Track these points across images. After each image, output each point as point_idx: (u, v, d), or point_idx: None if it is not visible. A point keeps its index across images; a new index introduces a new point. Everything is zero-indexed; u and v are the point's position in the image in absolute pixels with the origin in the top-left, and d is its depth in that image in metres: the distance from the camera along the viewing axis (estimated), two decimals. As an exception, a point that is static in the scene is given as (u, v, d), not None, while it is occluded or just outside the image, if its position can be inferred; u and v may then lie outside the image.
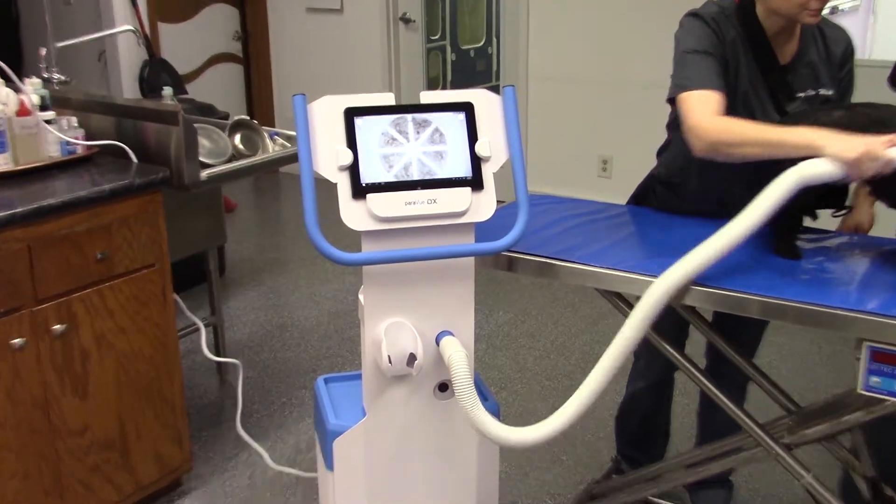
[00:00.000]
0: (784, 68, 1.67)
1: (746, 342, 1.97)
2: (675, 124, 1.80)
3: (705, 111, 1.52)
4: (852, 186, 1.68)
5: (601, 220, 1.80)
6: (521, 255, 1.57)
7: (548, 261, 1.55)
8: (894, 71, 1.72)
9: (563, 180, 4.56)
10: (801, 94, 1.67)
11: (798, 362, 3.00)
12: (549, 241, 1.64)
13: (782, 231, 1.57)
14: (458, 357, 1.41)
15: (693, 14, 1.66)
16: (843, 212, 1.73)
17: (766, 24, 1.64)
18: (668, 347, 1.63)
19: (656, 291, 1.40)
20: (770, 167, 1.51)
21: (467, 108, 1.44)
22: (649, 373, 2.09)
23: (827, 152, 1.36)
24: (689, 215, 1.79)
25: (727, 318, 1.55)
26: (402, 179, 1.39)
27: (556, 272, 1.55)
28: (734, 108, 1.61)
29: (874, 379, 1.30)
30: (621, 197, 2.00)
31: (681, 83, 1.59)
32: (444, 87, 5.06)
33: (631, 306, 1.63)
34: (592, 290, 1.60)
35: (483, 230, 1.49)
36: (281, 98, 5.52)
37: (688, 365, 1.62)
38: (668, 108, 1.86)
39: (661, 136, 1.91)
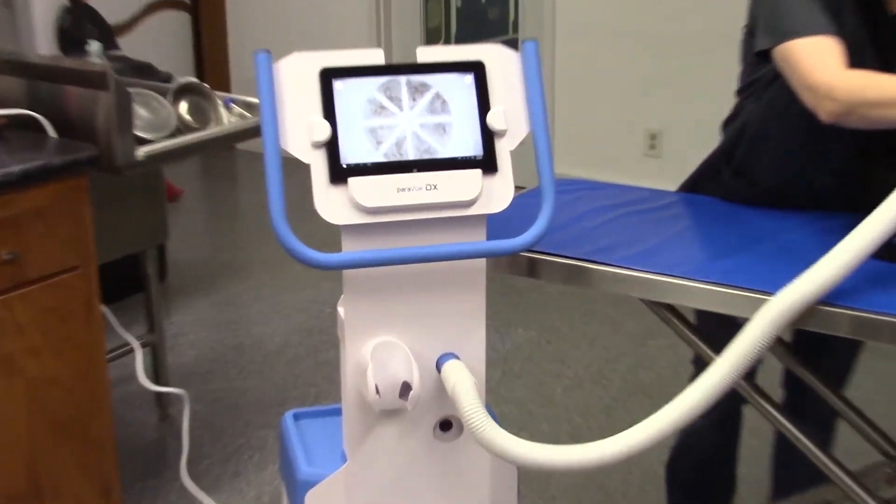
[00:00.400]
0: (894, 20, 1.67)
1: (835, 369, 1.97)
2: (750, 87, 1.80)
3: (828, 63, 1.52)
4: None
5: (648, 212, 1.80)
6: (546, 257, 1.57)
7: (580, 263, 1.55)
8: None
9: (600, 160, 4.56)
10: None
11: (901, 394, 3.00)
12: (582, 237, 1.64)
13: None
14: (465, 386, 1.41)
15: None
16: None
17: None
18: (734, 375, 1.63)
19: (774, 313, 1.35)
20: (868, 142, 1.51)
21: (477, 69, 1.44)
22: (710, 406, 2.08)
23: None
24: (763, 206, 1.80)
25: (810, 337, 1.55)
26: (393, 160, 1.40)
27: (591, 278, 1.55)
28: None
29: None
30: (674, 181, 2.00)
31: (782, 30, 1.58)
32: (447, 42, 5.07)
33: (687, 322, 1.63)
34: (637, 302, 1.60)
35: (497, 224, 1.49)
36: (239, 56, 5.53)
37: (759, 397, 1.62)
38: (737, 69, 1.86)
39: (727, 103, 1.91)
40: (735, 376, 1.36)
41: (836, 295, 1.38)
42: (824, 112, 1.51)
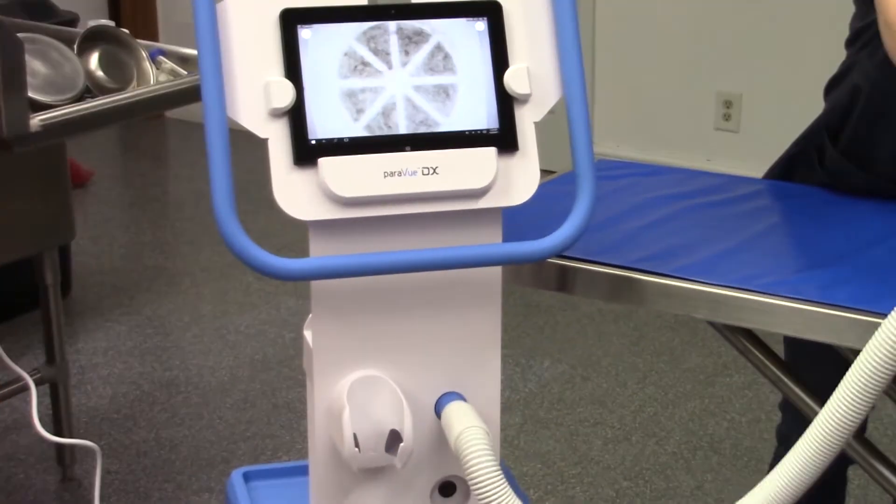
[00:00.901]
0: None
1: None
2: (863, 36, 1.80)
3: None
4: None
5: (721, 205, 1.81)
6: (583, 265, 1.58)
7: (628, 274, 1.56)
8: None
9: (657, 136, 4.56)
10: None
11: None
12: (632, 239, 1.65)
13: None
14: (474, 436, 1.42)
15: None
16: None
17: None
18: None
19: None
20: None
21: (492, 12, 1.45)
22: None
23: None
24: (879, 198, 1.80)
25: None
26: (379, 134, 1.40)
27: (643, 293, 1.56)
28: None
29: None
30: (756, 163, 2.01)
31: None
32: (451, -26, 5.06)
33: (771, 355, 1.64)
34: (704, 326, 1.60)
35: (518, 221, 1.50)
36: (170, -9, 5.54)
37: (869, 456, 1.63)
38: (847, 12, 1.86)
39: (830, 59, 1.91)
40: (846, 433, 1.34)
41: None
42: None
